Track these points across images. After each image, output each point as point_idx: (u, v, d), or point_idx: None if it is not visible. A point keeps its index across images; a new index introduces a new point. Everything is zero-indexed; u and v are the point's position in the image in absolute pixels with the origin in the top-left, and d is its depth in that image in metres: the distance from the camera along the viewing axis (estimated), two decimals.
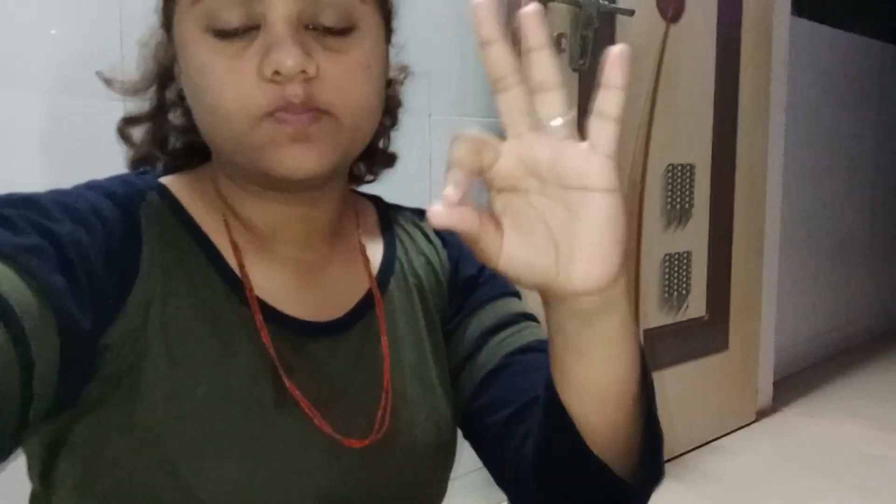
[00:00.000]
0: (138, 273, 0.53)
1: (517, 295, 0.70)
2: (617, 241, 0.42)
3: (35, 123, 1.11)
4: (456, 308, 0.70)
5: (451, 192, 0.40)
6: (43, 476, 0.55)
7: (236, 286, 0.57)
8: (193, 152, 0.63)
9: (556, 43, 1.70)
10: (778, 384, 2.71)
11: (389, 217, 0.71)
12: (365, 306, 0.63)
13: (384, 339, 0.63)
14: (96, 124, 1.09)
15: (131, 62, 0.63)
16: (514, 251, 0.42)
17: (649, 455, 0.53)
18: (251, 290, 0.57)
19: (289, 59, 0.50)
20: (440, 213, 0.40)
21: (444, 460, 0.66)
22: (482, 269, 0.71)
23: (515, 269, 0.43)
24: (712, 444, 2.31)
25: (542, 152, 0.42)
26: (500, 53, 0.42)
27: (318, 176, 0.54)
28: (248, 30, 0.52)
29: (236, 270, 0.58)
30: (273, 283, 0.59)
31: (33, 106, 1.11)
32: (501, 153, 0.42)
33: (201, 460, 0.52)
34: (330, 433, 0.56)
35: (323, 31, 0.53)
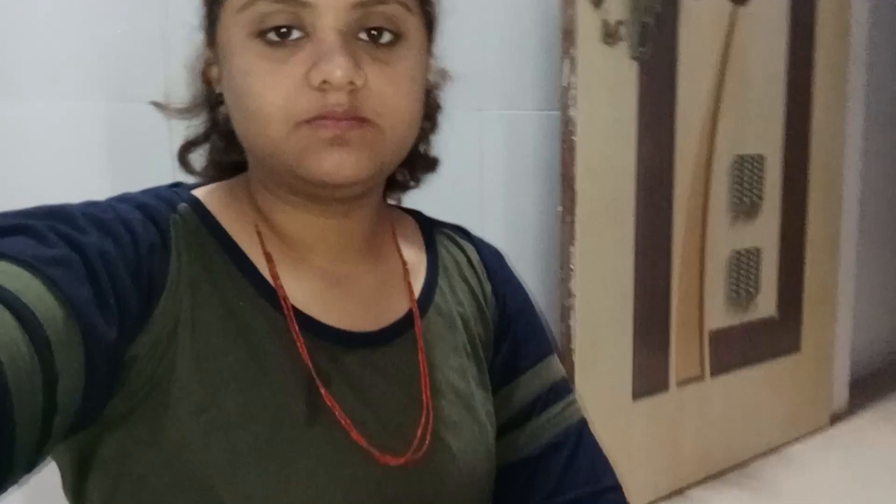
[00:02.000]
0: (166, 285, 0.52)
1: (555, 349, 0.72)
2: None
3: (90, 131, 1.11)
4: (503, 350, 0.69)
5: None
6: (75, 491, 0.55)
7: (269, 296, 0.56)
8: (236, 169, 0.63)
9: (614, 31, 1.61)
10: (854, 387, 2.56)
11: (433, 235, 0.70)
12: (403, 325, 0.62)
13: (422, 357, 0.61)
14: (146, 128, 1.08)
15: (176, 65, 0.65)
16: None
17: None
18: (285, 297, 0.57)
19: (338, 69, 0.50)
20: None
21: (481, 491, 0.64)
22: (525, 307, 0.72)
23: None
24: (781, 451, 2.19)
25: None
26: None
27: (356, 181, 0.54)
28: (296, 37, 0.52)
29: (269, 280, 0.57)
30: (306, 293, 0.59)
31: (84, 114, 1.11)
32: None
33: (232, 474, 0.51)
34: (366, 447, 0.55)
35: (370, 41, 0.53)
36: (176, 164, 0.66)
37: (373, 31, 0.53)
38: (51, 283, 0.42)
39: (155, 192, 0.58)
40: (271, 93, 0.52)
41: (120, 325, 0.47)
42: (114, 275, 0.47)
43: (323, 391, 0.55)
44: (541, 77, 1.69)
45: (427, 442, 0.59)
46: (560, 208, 1.63)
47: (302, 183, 0.55)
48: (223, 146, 0.64)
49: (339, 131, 0.52)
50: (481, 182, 1.63)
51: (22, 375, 0.38)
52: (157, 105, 0.65)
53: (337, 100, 0.51)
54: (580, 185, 1.61)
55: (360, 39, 0.53)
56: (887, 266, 2.89)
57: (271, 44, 0.52)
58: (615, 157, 1.69)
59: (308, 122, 0.52)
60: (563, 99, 1.59)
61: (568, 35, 1.57)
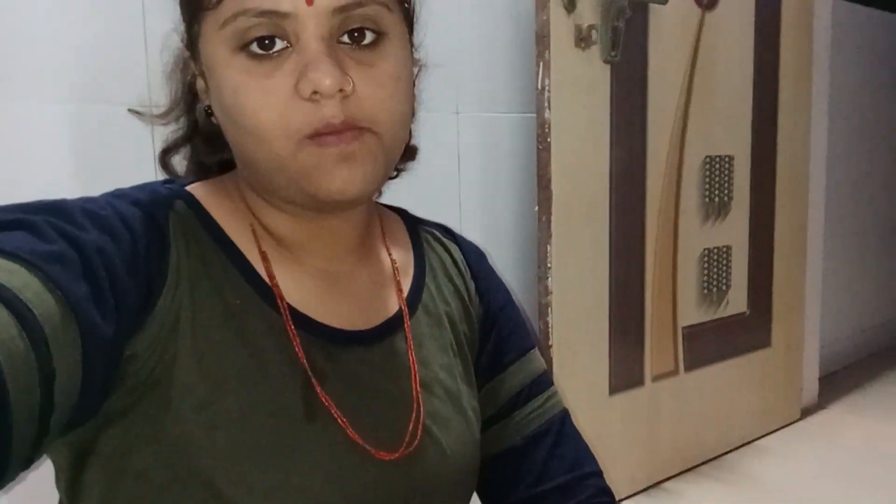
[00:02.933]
0: (165, 282, 0.52)
1: (535, 343, 0.75)
2: None
3: (63, 132, 1.11)
4: (488, 347, 0.72)
5: None
6: (69, 487, 0.55)
7: (265, 294, 0.57)
8: (224, 167, 0.64)
9: (587, 35, 1.65)
10: (824, 381, 2.63)
11: (419, 234, 0.71)
12: (393, 324, 0.63)
13: (411, 355, 0.63)
14: (123, 130, 1.08)
15: (155, 67, 0.65)
16: None
17: None
18: (281, 297, 0.57)
19: (327, 78, 0.50)
20: None
21: (469, 484, 0.67)
22: (508, 304, 0.74)
23: None
24: (754, 443, 2.24)
25: None
26: None
27: (366, 195, 0.55)
28: (280, 48, 0.52)
29: (265, 278, 0.57)
30: (302, 291, 0.59)
31: (60, 115, 1.11)
32: None
33: (233, 469, 0.51)
34: (361, 443, 0.56)
35: (352, 43, 0.53)
36: (159, 166, 0.66)
37: (354, 33, 0.53)
38: (49, 280, 0.42)
39: (151, 189, 0.57)
40: (264, 110, 0.51)
41: (117, 322, 0.47)
42: (112, 272, 0.47)
43: (318, 389, 0.56)
44: (516, 80, 1.73)
45: (418, 436, 0.60)
46: (536, 208, 1.67)
47: (307, 199, 0.55)
48: (207, 148, 0.64)
49: (344, 145, 0.52)
50: (459, 183, 1.66)
51: (19, 372, 0.38)
52: (134, 112, 0.65)
53: (332, 111, 0.51)
54: (556, 185, 1.65)
55: (343, 43, 0.53)
56: (852, 263, 2.97)
57: (256, 57, 0.51)
58: (589, 158, 1.73)
59: (310, 137, 0.51)
60: (537, 101, 1.63)
61: (542, 39, 1.61)
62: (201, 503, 0.51)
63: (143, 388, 0.51)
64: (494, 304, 0.72)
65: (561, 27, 1.62)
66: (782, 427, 2.36)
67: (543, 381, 0.73)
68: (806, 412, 2.47)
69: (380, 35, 0.54)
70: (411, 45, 0.60)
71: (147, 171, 1.09)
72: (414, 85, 0.67)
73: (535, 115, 1.65)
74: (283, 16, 0.51)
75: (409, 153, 0.70)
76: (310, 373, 0.56)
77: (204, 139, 0.64)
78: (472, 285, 0.72)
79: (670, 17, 1.84)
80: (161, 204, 0.56)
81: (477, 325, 0.71)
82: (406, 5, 0.58)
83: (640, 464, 1.94)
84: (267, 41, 0.51)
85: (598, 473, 0.72)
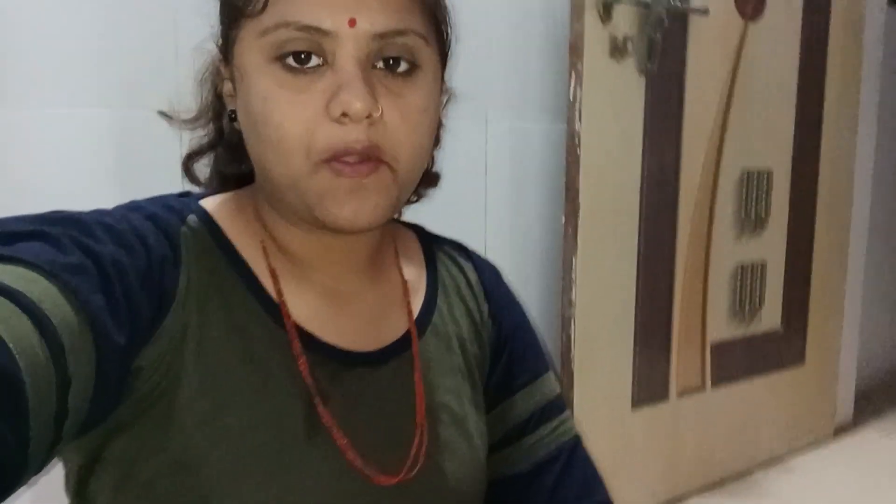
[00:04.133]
0: (176, 297, 0.53)
1: (551, 366, 0.73)
2: None
3: (94, 136, 1.14)
4: (498, 369, 0.71)
5: None
6: (78, 491, 0.56)
7: (273, 311, 0.57)
8: (241, 181, 0.64)
9: (622, 45, 1.63)
10: (859, 400, 2.56)
11: (433, 253, 0.71)
12: (401, 345, 0.63)
13: (418, 377, 0.62)
14: (152, 135, 1.11)
15: (186, 73, 0.65)
16: None
17: None
18: (288, 315, 0.57)
19: (358, 101, 0.50)
20: None
21: None
22: (522, 326, 0.72)
23: None
24: (783, 462, 2.20)
25: None
26: None
27: (375, 226, 0.55)
28: (315, 64, 0.52)
29: (273, 296, 0.58)
30: (309, 309, 0.59)
31: (91, 120, 1.14)
32: None
33: (232, 485, 0.52)
34: (361, 466, 0.56)
35: (386, 70, 0.53)
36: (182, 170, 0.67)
37: (389, 61, 0.53)
38: (67, 290, 0.43)
39: (164, 202, 0.58)
40: (291, 124, 0.52)
41: (130, 333, 0.48)
42: (127, 284, 0.48)
43: (321, 409, 0.56)
44: (547, 90, 1.72)
45: (420, 462, 0.59)
46: (563, 219, 1.66)
47: (317, 222, 0.55)
48: (228, 157, 0.65)
49: (359, 178, 0.52)
50: (486, 192, 1.66)
51: (39, 379, 0.39)
52: (163, 115, 0.66)
53: (356, 136, 0.51)
54: (583, 197, 1.63)
55: (377, 68, 0.53)
56: (891, 278, 2.88)
57: (291, 70, 0.52)
58: (620, 171, 1.71)
59: (327, 161, 0.52)
60: (568, 112, 1.61)
61: (575, 49, 1.59)
62: None
63: (150, 400, 0.52)
64: (507, 326, 0.71)
65: (595, 37, 1.60)
66: (813, 445, 2.31)
67: (555, 406, 0.71)
68: (839, 431, 2.41)
69: (413, 66, 0.54)
70: (443, 78, 0.60)
71: (175, 176, 1.11)
72: (441, 115, 0.67)
73: (565, 125, 1.63)
74: (324, 33, 0.51)
75: (431, 180, 0.70)
76: (313, 392, 0.56)
77: (227, 148, 0.64)
78: (485, 307, 0.71)
79: (711, 27, 1.80)
80: (174, 219, 0.56)
81: (488, 347, 0.70)
82: (443, 39, 0.59)
83: (662, 478, 1.92)
84: (303, 55, 0.52)
85: (608, 503, 0.71)
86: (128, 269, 0.48)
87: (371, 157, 0.52)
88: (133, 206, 0.56)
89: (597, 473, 0.72)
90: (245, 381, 0.54)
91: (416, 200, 0.71)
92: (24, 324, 0.40)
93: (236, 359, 0.54)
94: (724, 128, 1.90)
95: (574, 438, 0.71)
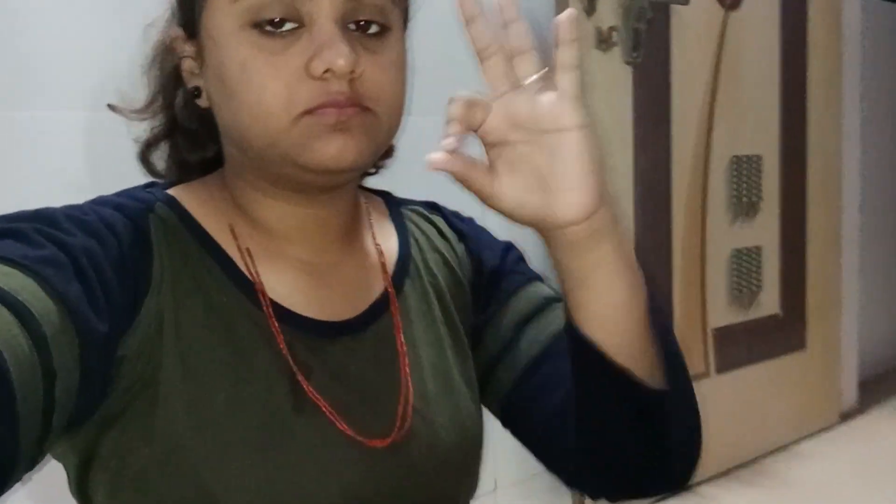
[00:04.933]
0: (150, 284, 0.53)
1: (541, 278, 0.71)
2: (592, 171, 0.49)
3: (75, 140, 1.15)
4: (485, 302, 0.69)
5: (449, 142, 0.48)
6: (79, 490, 0.56)
7: (249, 291, 0.57)
8: (205, 167, 0.64)
9: (607, 37, 1.66)
10: (864, 385, 2.56)
11: (401, 213, 0.71)
12: (380, 306, 0.63)
13: (399, 337, 0.62)
14: (135, 137, 1.12)
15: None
16: (505, 191, 0.50)
17: (672, 372, 0.57)
18: (264, 292, 0.57)
19: (340, 58, 0.51)
20: (438, 159, 0.47)
21: (471, 457, 0.65)
22: (504, 257, 0.71)
23: (508, 206, 0.51)
24: (791, 448, 2.20)
25: (521, 106, 0.49)
26: (481, 28, 0.50)
27: (356, 167, 0.55)
28: (291, 27, 0.52)
29: (248, 275, 0.58)
30: (286, 285, 0.59)
31: (72, 123, 1.15)
32: (490, 110, 0.50)
33: (222, 468, 0.52)
34: (351, 433, 0.56)
35: (358, 31, 0.54)
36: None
37: (361, 22, 0.54)
38: (44, 282, 0.43)
39: (130, 194, 0.58)
40: (272, 83, 0.52)
41: (110, 322, 0.48)
42: (101, 273, 0.48)
43: (304, 383, 0.56)
44: None
45: (409, 419, 0.59)
46: None
47: (299, 171, 0.55)
48: (189, 144, 0.64)
49: (343, 117, 0.52)
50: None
51: (24, 372, 0.39)
52: (112, 107, 0.65)
53: (339, 87, 0.52)
54: None
55: (351, 30, 0.54)
56: (892, 262, 2.90)
57: (267, 33, 0.52)
58: (612, 158, 1.73)
59: (309, 112, 0.52)
60: None
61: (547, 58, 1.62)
62: (196, 501, 0.51)
63: (135, 390, 0.51)
64: (490, 259, 0.71)
65: (581, 29, 1.63)
66: (820, 431, 2.31)
67: (555, 299, 0.68)
68: (845, 416, 2.41)
69: (384, 27, 0.55)
70: (405, 35, 0.61)
71: (150, 179, 1.12)
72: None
73: None
74: None
75: (389, 151, 0.70)
76: (294, 367, 0.56)
77: (184, 135, 0.64)
78: (460, 247, 0.71)
79: (693, 17, 1.84)
80: (143, 208, 0.56)
81: (468, 286, 0.69)
82: (405, 4, 0.60)
83: None
84: (278, 20, 0.52)
85: None
86: (101, 258, 0.48)
87: (354, 103, 0.53)
88: (99, 200, 0.56)
89: None
90: (226, 363, 0.54)
91: (375, 172, 0.71)
92: (4, 315, 0.40)
93: (216, 341, 0.54)
94: (711, 115, 1.93)
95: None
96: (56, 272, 0.44)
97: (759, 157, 2.05)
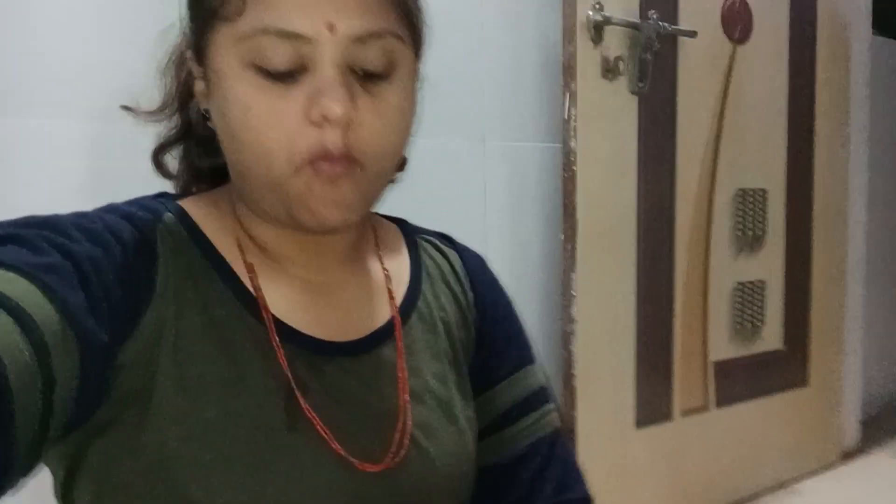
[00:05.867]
0: (153, 294, 0.53)
1: (535, 359, 0.73)
2: None
3: (81, 151, 1.16)
4: (479, 358, 0.70)
5: None
6: (64, 496, 0.56)
7: (250, 305, 0.57)
8: (216, 174, 0.64)
9: (614, 66, 1.67)
10: (867, 423, 2.53)
11: (416, 244, 0.71)
12: (384, 333, 0.63)
13: (401, 364, 0.62)
14: (141, 148, 1.12)
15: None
16: None
17: None
18: (266, 307, 0.57)
19: (338, 106, 0.51)
20: None
21: (462, 492, 0.65)
22: (507, 316, 0.72)
23: None
24: (790, 485, 2.17)
25: None
26: None
27: (351, 223, 0.56)
28: (294, 71, 0.52)
29: (251, 290, 0.58)
30: (288, 302, 0.59)
31: (78, 134, 1.15)
32: None
33: (208, 482, 0.51)
34: (344, 455, 0.56)
35: (365, 74, 0.54)
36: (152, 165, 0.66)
37: (368, 66, 0.54)
38: (47, 289, 0.43)
39: (140, 203, 0.59)
40: (272, 130, 0.52)
41: (111, 330, 0.48)
42: (104, 282, 0.48)
43: (301, 400, 0.55)
44: (543, 110, 1.75)
45: (405, 448, 0.59)
46: (562, 236, 1.68)
47: (294, 222, 0.56)
48: (201, 151, 0.64)
49: (333, 174, 0.53)
50: (485, 211, 1.67)
51: (24, 379, 0.39)
52: (126, 108, 0.65)
53: (332, 139, 0.52)
54: (581, 214, 1.65)
55: (355, 71, 0.54)
56: (893, 300, 2.88)
57: (269, 76, 0.52)
58: (616, 188, 1.73)
59: (309, 163, 0.53)
60: (563, 131, 1.65)
61: (568, 70, 1.63)
62: None
63: (127, 401, 0.51)
64: (491, 315, 0.71)
65: (588, 58, 1.64)
66: (821, 469, 2.28)
67: (537, 398, 0.71)
68: (847, 455, 2.38)
69: (391, 66, 0.55)
70: (417, 73, 0.61)
71: (154, 191, 1.12)
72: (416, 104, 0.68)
73: (561, 144, 1.66)
74: (305, 40, 0.51)
75: (400, 164, 0.70)
76: (293, 384, 0.55)
77: (198, 141, 0.64)
78: (470, 294, 0.71)
79: (700, 49, 1.85)
80: (150, 217, 0.57)
81: (474, 332, 0.70)
82: (417, 34, 0.59)
83: (666, 499, 1.89)
84: (284, 64, 0.52)
85: (587, 500, 0.70)
86: (104, 266, 0.49)
87: (345, 156, 0.53)
88: (109, 208, 0.57)
89: (578, 469, 0.71)
90: (222, 375, 0.54)
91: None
92: (5, 322, 0.40)
93: (213, 353, 0.54)
94: (717, 147, 1.93)
95: (555, 432, 0.70)
96: (59, 280, 0.44)
97: (764, 191, 2.05)
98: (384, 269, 0.66)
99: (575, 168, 1.64)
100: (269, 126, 0.52)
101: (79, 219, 0.51)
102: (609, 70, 1.67)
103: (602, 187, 1.70)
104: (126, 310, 0.50)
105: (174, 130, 0.64)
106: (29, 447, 0.41)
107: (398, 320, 0.64)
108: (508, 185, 1.71)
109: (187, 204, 0.61)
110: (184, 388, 0.52)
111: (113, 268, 0.49)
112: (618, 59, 1.68)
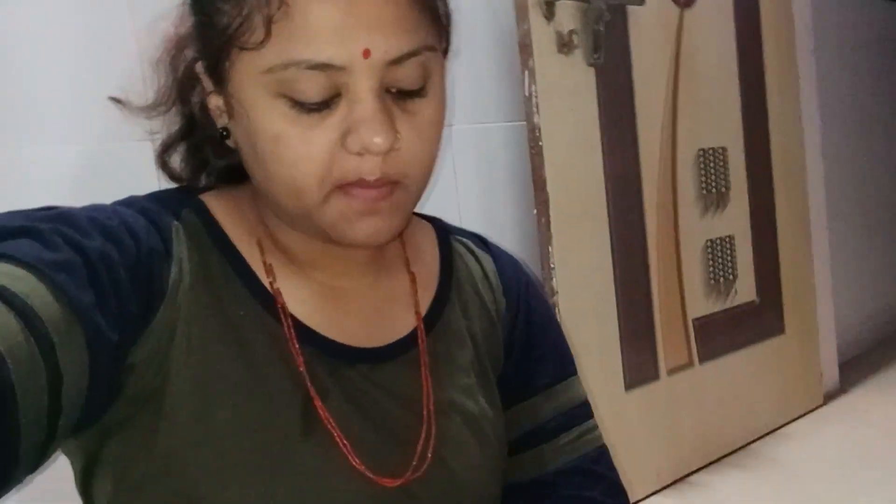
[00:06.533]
0: (166, 293, 0.52)
1: (576, 370, 0.69)
2: None
3: (70, 174, 1.16)
4: (513, 367, 0.67)
5: None
6: (84, 491, 0.56)
7: (269, 305, 0.55)
8: (235, 172, 0.61)
9: (568, 40, 1.70)
10: (845, 366, 2.61)
11: (449, 245, 0.68)
12: (408, 342, 0.61)
13: (425, 374, 0.60)
14: (131, 166, 1.13)
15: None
16: None
17: None
18: (285, 307, 0.55)
19: (379, 137, 0.48)
20: None
21: None
22: (545, 328, 0.68)
23: None
24: (779, 431, 2.24)
25: None
26: None
27: (388, 242, 0.55)
28: (328, 100, 0.50)
29: (269, 289, 0.56)
30: (307, 305, 0.57)
31: (65, 157, 1.15)
32: None
33: (219, 485, 0.50)
34: (361, 465, 0.54)
35: (399, 92, 0.52)
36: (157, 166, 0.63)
37: (404, 85, 0.51)
38: (55, 287, 0.42)
39: (159, 197, 0.57)
40: (305, 162, 0.49)
41: (122, 328, 0.47)
42: (116, 280, 0.47)
43: (319, 405, 0.53)
44: (504, 89, 1.78)
45: (427, 462, 0.57)
46: (535, 211, 1.71)
47: (329, 240, 0.54)
48: (213, 150, 0.61)
49: (372, 202, 0.51)
50: (457, 195, 1.70)
51: (27, 377, 0.39)
52: (114, 100, 0.62)
53: (370, 168, 0.50)
54: (551, 187, 1.68)
55: (391, 92, 0.51)
56: (862, 246, 2.96)
57: (300, 106, 0.49)
58: (582, 159, 1.77)
59: (340, 187, 0.50)
60: (526, 108, 1.68)
61: (525, 48, 1.66)
62: None
63: (141, 400, 0.51)
64: (525, 322, 0.67)
65: (542, 35, 1.67)
66: (806, 413, 2.35)
67: (579, 413, 0.67)
68: (829, 397, 2.45)
69: (425, 79, 0.52)
70: (445, 68, 0.58)
71: None
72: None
73: (525, 121, 1.69)
74: (338, 69, 0.48)
75: None
76: (311, 388, 0.54)
77: (208, 140, 0.61)
78: (502, 301, 0.67)
79: (649, 17, 1.89)
80: (168, 212, 0.55)
81: (502, 343, 0.66)
82: (447, 34, 0.57)
83: (664, 458, 1.94)
84: (317, 96, 0.49)
85: None
86: (117, 263, 0.47)
87: (386, 183, 0.51)
88: (127, 202, 0.55)
89: (620, 488, 0.68)
90: (237, 378, 0.52)
91: None
92: (11, 321, 0.39)
93: (229, 354, 0.53)
94: (674, 110, 1.97)
95: (598, 449, 0.67)
96: (69, 278, 0.43)
97: (724, 149, 2.10)
98: (411, 275, 0.64)
99: (541, 143, 1.67)
100: (301, 158, 0.50)
101: (94, 213, 0.50)
102: (564, 45, 1.71)
103: (569, 159, 1.73)
104: (137, 308, 0.49)
105: (177, 129, 0.61)
106: (36, 444, 0.41)
107: (422, 329, 0.61)
108: (478, 167, 1.74)
109: (209, 199, 0.59)
110: (198, 389, 0.51)
111: (125, 265, 0.48)
112: (571, 32, 1.71)
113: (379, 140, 0.48)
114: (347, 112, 0.49)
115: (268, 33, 0.48)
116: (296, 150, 0.49)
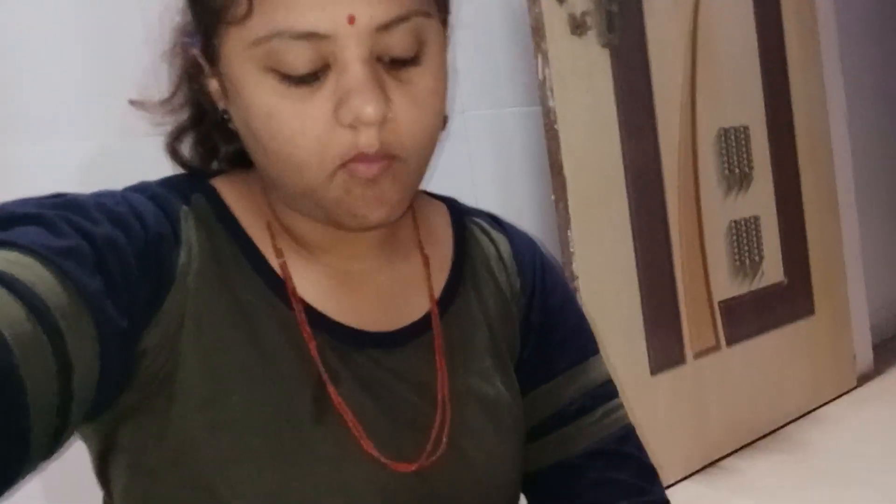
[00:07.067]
0: (174, 279, 0.51)
1: (598, 350, 0.68)
2: None
3: (79, 169, 1.17)
4: (531, 350, 0.66)
5: None
6: (100, 475, 0.56)
7: (279, 290, 0.55)
8: (246, 156, 0.60)
9: (581, 22, 1.68)
10: (878, 347, 2.55)
11: (464, 226, 0.67)
12: (421, 326, 0.60)
13: (439, 359, 0.59)
14: (138, 162, 1.14)
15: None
16: None
17: None
18: (295, 292, 0.55)
19: (369, 107, 0.47)
20: None
21: (506, 497, 0.61)
22: (564, 308, 0.67)
23: None
24: (811, 414, 2.19)
25: None
26: None
27: (394, 220, 0.53)
28: (317, 70, 0.48)
29: (279, 273, 0.56)
30: (317, 289, 0.57)
31: (74, 152, 1.16)
32: None
33: (232, 472, 0.50)
34: (373, 451, 0.53)
35: (392, 61, 0.50)
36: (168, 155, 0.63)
37: (396, 52, 0.50)
38: (63, 275, 0.42)
39: (170, 182, 0.57)
40: (300, 138, 0.49)
41: (131, 314, 0.47)
42: (125, 266, 0.47)
43: (331, 390, 0.53)
44: (517, 74, 1.76)
45: (441, 448, 0.56)
46: (553, 196, 1.69)
47: (333, 223, 0.54)
48: (221, 135, 0.60)
49: (372, 174, 0.50)
50: (473, 181, 1.69)
51: (36, 365, 0.39)
52: (134, 103, 0.62)
53: (368, 140, 0.48)
54: (568, 171, 1.66)
55: (381, 60, 0.50)
56: (892, 222, 2.89)
57: (291, 79, 0.48)
58: (599, 142, 1.74)
59: (343, 166, 0.49)
60: (540, 92, 1.66)
61: (537, 31, 1.64)
62: None
63: (153, 386, 0.50)
64: (543, 303, 0.66)
65: (555, 17, 1.65)
66: (839, 396, 2.30)
67: (604, 393, 0.65)
68: (862, 379, 2.40)
69: (419, 47, 0.51)
70: (447, 41, 0.56)
71: None
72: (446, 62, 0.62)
73: (540, 105, 1.67)
74: (323, 37, 0.47)
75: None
76: (322, 373, 0.53)
77: (216, 126, 0.60)
78: (517, 282, 0.66)
79: None
80: (177, 197, 0.54)
81: (518, 325, 0.65)
82: (443, 4, 0.55)
83: (693, 443, 1.91)
84: (305, 66, 0.48)
85: (662, 502, 0.64)
86: (125, 250, 0.47)
87: (383, 155, 0.50)
88: (137, 187, 0.55)
89: (650, 468, 0.66)
90: (248, 363, 0.52)
91: None
92: (17, 309, 0.39)
93: (239, 339, 0.52)
94: (693, 89, 1.94)
95: (623, 428, 0.65)
96: (77, 265, 0.43)
97: (745, 128, 2.06)
98: (424, 257, 0.63)
99: (557, 127, 1.65)
100: (296, 133, 0.49)
101: (102, 199, 0.50)
102: (577, 26, 1.68)
103: (586, 143, 1.71)
104: (146, 294, 0.49)
105: (186, 117, 0.61)
106: (48, 432, 0.40)
107: (436, 312, 0.60)
108: (494, 154, 1.72)
109: (219, 183, 0.58)
110: (208, 375, 0.51)
111: (133, 252, 0.48)
112: (584, 14, 1.69)
113: (370, 109, 0.47)
114: (337, 83, 0.48)
115: (251, 5, 0.47)
116: (289, 124, 0.49)
